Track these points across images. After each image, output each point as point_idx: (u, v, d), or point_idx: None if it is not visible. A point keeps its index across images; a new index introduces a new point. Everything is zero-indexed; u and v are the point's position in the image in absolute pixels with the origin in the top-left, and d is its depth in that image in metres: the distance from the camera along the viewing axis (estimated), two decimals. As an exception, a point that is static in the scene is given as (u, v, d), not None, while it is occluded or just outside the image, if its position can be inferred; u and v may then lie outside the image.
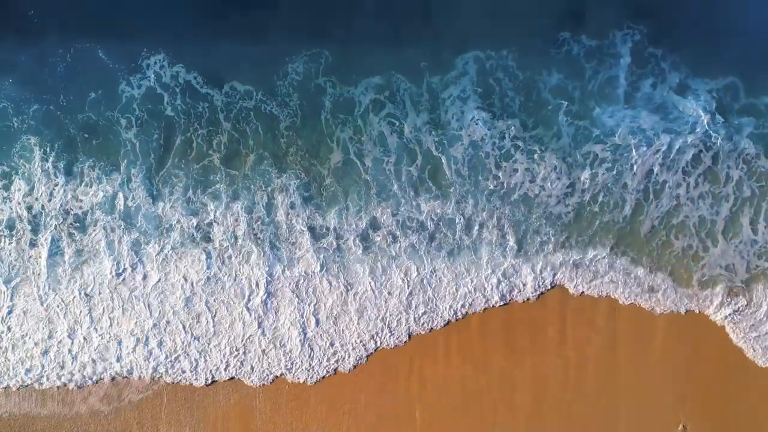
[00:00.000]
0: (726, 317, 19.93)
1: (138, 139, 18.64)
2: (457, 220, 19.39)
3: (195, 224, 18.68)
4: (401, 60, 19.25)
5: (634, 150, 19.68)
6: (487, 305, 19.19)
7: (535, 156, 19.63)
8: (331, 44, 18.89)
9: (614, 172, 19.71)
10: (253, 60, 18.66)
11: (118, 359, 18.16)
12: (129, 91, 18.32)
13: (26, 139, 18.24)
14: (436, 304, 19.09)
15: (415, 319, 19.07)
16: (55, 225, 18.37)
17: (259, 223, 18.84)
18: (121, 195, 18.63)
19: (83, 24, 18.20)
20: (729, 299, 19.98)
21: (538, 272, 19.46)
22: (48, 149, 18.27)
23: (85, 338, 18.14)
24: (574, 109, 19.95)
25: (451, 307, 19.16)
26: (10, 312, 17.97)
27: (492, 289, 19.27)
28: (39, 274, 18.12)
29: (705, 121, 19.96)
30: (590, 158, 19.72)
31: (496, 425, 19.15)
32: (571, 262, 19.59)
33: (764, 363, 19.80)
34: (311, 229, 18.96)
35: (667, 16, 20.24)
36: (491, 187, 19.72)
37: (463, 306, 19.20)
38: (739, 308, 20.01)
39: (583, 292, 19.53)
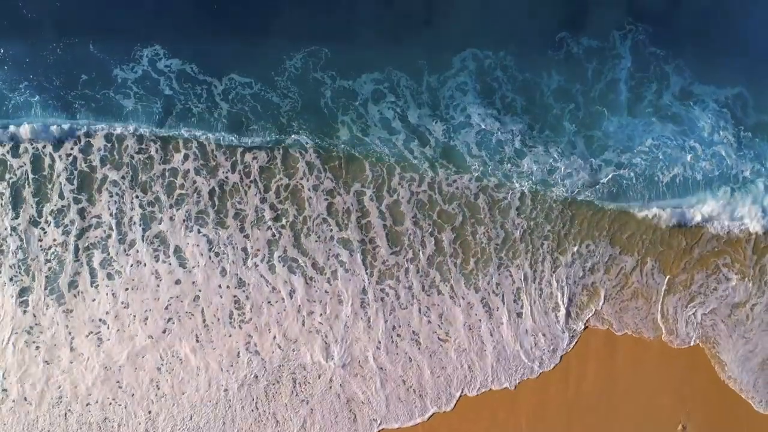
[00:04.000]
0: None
1: (139, 105, 18.17)
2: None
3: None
4: (400, 58, 19.15)
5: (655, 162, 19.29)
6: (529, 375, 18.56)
7: (552, 151, 19.11)
8: (329, 42, 18.87)
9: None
10: (250, 57, 18.58)
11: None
12: (123, 75, 17.98)
13: (24, 96, 17.79)
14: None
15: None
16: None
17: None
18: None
19: (72, 18, 18.17)
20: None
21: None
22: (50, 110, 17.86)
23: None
24: (580, 115, 19.49)
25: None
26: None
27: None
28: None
29: (724, 137, 19.53)
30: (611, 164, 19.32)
31: (496, 426, 18.01)
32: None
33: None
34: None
35: (670, 18, 20.28)
36: (507, 168, 19.05)
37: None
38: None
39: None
